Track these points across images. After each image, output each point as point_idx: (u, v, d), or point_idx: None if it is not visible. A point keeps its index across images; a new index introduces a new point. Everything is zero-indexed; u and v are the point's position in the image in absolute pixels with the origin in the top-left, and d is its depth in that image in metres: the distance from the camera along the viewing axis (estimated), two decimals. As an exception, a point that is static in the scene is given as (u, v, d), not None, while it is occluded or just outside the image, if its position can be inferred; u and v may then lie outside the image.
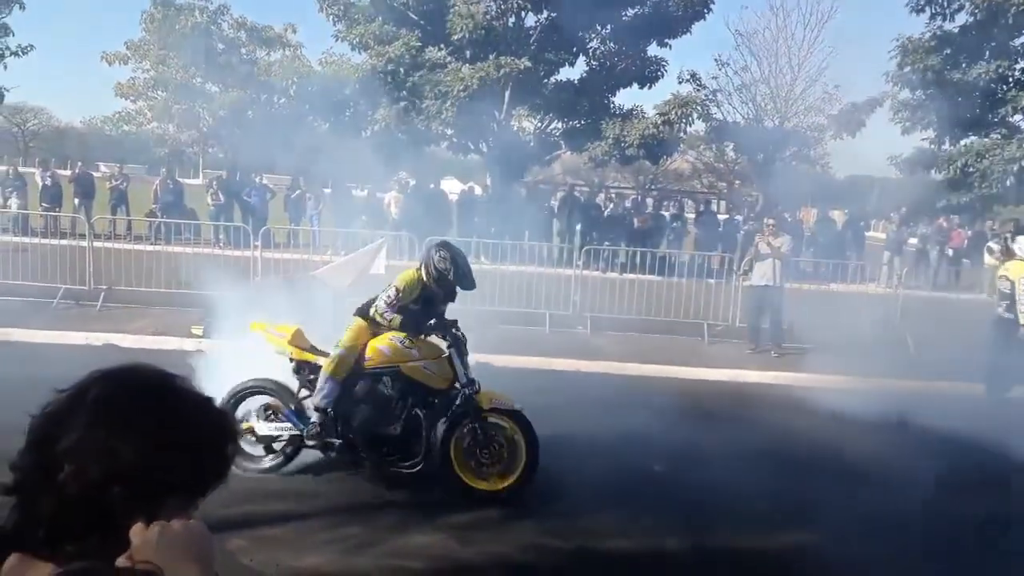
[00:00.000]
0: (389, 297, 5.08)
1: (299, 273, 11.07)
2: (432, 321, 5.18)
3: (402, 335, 5.10)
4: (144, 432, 1.05)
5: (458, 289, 5.27)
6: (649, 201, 23.10)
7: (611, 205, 20.19)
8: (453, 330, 5.14)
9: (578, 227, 18.05)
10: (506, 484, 4.97)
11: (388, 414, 5.05)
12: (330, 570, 4.03)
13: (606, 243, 16.84)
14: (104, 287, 10.66)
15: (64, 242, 11.65)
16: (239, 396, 5.34)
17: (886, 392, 8.07)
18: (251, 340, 5.60)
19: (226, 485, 1.15)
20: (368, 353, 5.12)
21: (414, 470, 4.97)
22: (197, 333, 9.14)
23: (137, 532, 1.01)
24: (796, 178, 15.60)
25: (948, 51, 19.21)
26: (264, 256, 11.61)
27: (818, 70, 22.18)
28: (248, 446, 5.23)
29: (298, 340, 5.41)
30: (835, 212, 22.35)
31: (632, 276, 13.47)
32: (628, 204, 21.02)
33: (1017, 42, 19.39)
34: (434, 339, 5.20)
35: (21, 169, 19.64)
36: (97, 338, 8.87)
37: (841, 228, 19.92)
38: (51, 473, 1.01)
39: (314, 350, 5.38)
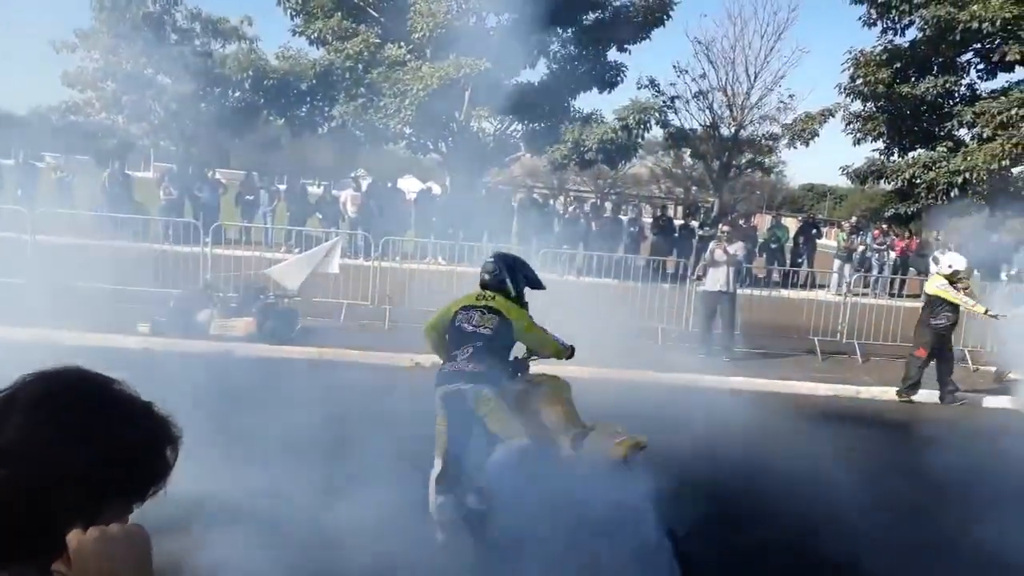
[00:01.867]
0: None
1: (251, 270, 10.89)
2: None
3: None
4: (82, 436, 1.03)
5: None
6: (608, 205, 23.20)
7: (570, 208, 20.27)
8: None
9: (534, 229, 18.05)
10: None
11: None
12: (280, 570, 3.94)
13: (564, 246, 16.91)
14: (47, 282, 10.31)
15: (5, 234, 11.25)
16: None
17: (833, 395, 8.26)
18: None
19: (166, 489, 1.13)
20: None
21: None
22: (144, 331, 8.90)
23: (74, 537, 0.99)
24: (751, 185, 15.89)
25: (898, 65, 19.74)
26: (215, 253, 11.36)
27: (774, 79, 22.58)
28: None
29: None
30: (788, 219, 22.79)
31: (588, 279, 13.55)
32: (587, 208, 21.12)
33: (963, 58, 20.02)
34: None
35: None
36: (37, 334, 8.56)
37: (793, 235, 20.33)
38: None
39: None
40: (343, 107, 17.73)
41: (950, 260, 9.06)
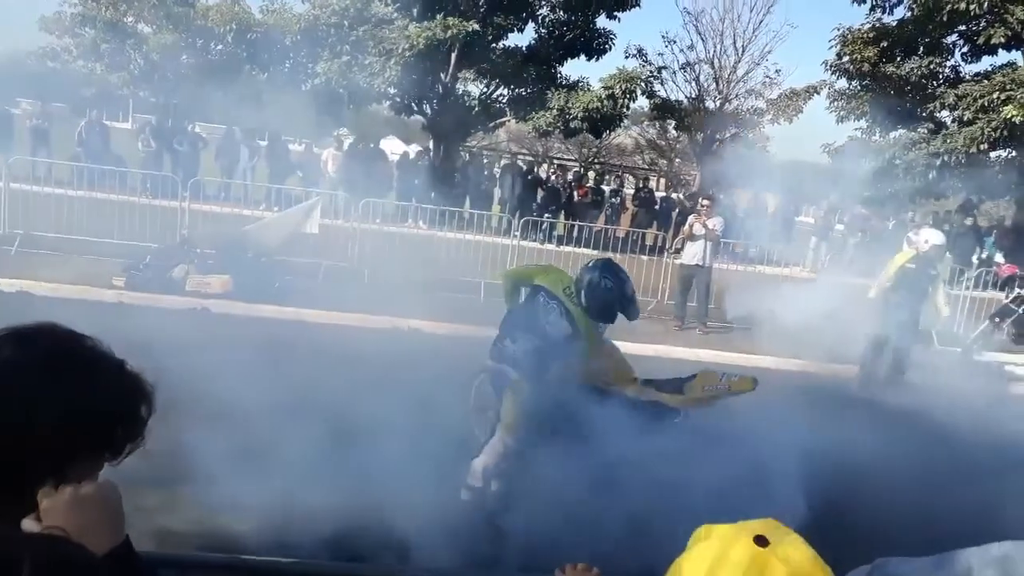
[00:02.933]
0: None
1: (229, 227, 10.83)
2: None
3: None
4: (56, 396, 1.04)
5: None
6: (591, 174, 23.19)
7: (553, 177, 20.23)
8: None
9: (516, 196, 18.06)
10: None
11: None
12: (250, 527, 4.02)
13: (545, 215, 16.94)
14: (20, 231, 10.20)
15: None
16: None
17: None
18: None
19: (143, 446, 1.15)
20: None
21: None
22: (118, 284, 8.86)
23: (46, 495, 1.01)
24: (734, 160, 15.94)
25: (885, 44, 19.77)
26: (193, 208, 11.27)
27: (761, 53, 22.56)
28: None
29: None
30: (769, 196, 22.90)
31: (568, 248, 13.61)
32: (570, 177, 21.10)
33: (949, 40, 20.07)
34: None
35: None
36: (11, 284, 8.51)
37: (772, 212, 20.45)
38: None
39: None
40: (327, 64, 17.48)
41: (927, 235, 8.66)
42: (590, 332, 4.64)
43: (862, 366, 8.70)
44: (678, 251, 10.88)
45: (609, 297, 4.57)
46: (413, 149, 21.45)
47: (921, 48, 19.94)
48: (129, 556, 1.08)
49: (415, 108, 20.25)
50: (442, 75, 19.04)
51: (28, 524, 1.03)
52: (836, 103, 21.16)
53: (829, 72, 20.84)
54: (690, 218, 10.75)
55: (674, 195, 19.96)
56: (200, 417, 4.72)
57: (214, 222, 11.38)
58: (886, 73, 19.69)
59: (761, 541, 1.08)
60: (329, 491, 4.15)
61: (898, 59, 19.89)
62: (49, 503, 1.01)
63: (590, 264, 4.72)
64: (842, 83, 21.12)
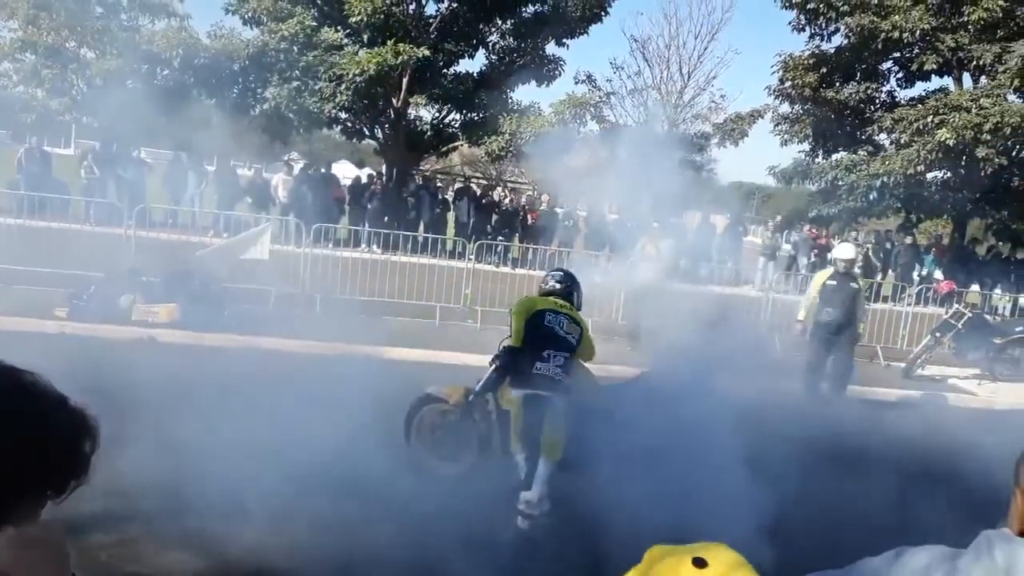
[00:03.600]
0: None
1: (177, 255, 10.60)
2: None
3: None
4: None
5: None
6: (544, 197, 23.38)
7: (507, 200, 20.34)
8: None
9: (471, 220, 18.12)
10: None
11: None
12: (196, 568, 3.91)
13: (499, 238, 17.00)
14: (-45, 262, 9.85)
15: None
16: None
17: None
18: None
19: (88, 483, 1.12)
20: None
21: None
22: (60, 315, 8.60)
23: None
24: (682, 183, 16.20)
25: (824, 70, 20.47)
26: (139, 235, 11.03)
27: (707, 79, 23.15)
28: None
29: None
30: (717, 217, 23.36)
31: (523, 271, 13.68)
32: (523, 200, 21.23)
33: (884, 66, 20.89)
34: None
35: None
36: (-55, 317, 8.18)
37: (721, 232, 20.86)
38: None
39: None
40: (277, 89, 17.36)
41: (837, 252, 8.97)
42: (584, 325, 5.27)
43: (806, 385, 8.77)
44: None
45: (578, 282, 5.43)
46: (365, 173, 21.34)
47: (858, 74, 20.71)
48: None
49: (367, 132, 20.22)
50: (394, 100, 19.07)
51: None
52: (780, 126, 21.78)
53: (772, 96, 21.50)
54: (642, 240, 10.90)
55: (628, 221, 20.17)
56: (147, 450, 4.59)
57: (161, 249, 11.12)
58: (826, 98, 20.37)
59: (699, 563, 1.09)
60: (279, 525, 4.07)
61: (837, 84, 20.61)
62: None
63: (557, 274, 5.48)
64: (785, 107, 21.80)
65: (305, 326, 8.91)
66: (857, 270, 11.70)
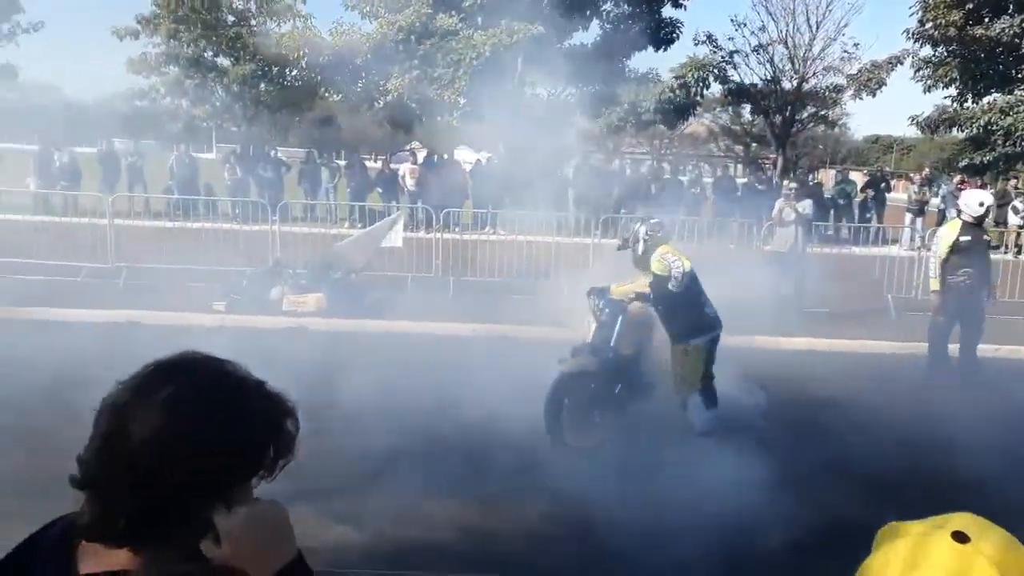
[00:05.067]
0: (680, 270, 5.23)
1: (318, 247, 11.11)
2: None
3: None
4: (218, 427, 1.07)
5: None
6: (666, 166, 22.84)
7: (627, 172, 20.00)
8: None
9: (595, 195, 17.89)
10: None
11: None
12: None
13: (623, 211, 16.72)
14: (125, 264, 10.73)
15: (85, 220, 11.72)
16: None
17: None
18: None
19: (296, 460, 1.17)
20: None
21: None
22: (219, 309, 9.21)
23: (224, 520, 1.05)
24: (813, 140, 15.30)
25: (970, 5, 18.75)
26: (282, 230, 11.62)
27: (837, 28, 21.72)
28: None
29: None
30: (854, 173, 22.03)
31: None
32: (644, 170, 20.82)
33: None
34: None
35: (28, 146, 19.59)
36: (121, 315, 8.95)
37: (861, 189, 19.67)
38: (126, 468, 1.03)
39: None
40: (398, 80, 17.79)
41: (979, 197, 7.61)
42: None
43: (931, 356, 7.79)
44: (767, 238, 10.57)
45: None
46: (484, 156, 21.55)
47: (1011, 5, 18.81)
48: (304, 568, 1.13)
49: (485, 116, 20.37)
50: (510, 81, 19.10)
51: (208, 547, 1.05)
52: (922, 72, 20.19)
53: (912, 40, 19.92)
54: (778, 203, 10.42)
55: (758, 185, 19.36)
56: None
57: (303, 243, 11.68)
58: (974, 35, 18.66)
59: (960, 537, 1.00)
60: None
61: (986, 20, 18.82)
62: (226, 524, 1.05)
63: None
64: (927, 50, 20.15)
65: (440, 309, 9.15)
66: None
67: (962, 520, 1.04)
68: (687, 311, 5.31)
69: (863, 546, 1.13)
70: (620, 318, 5.33)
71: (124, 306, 9.20)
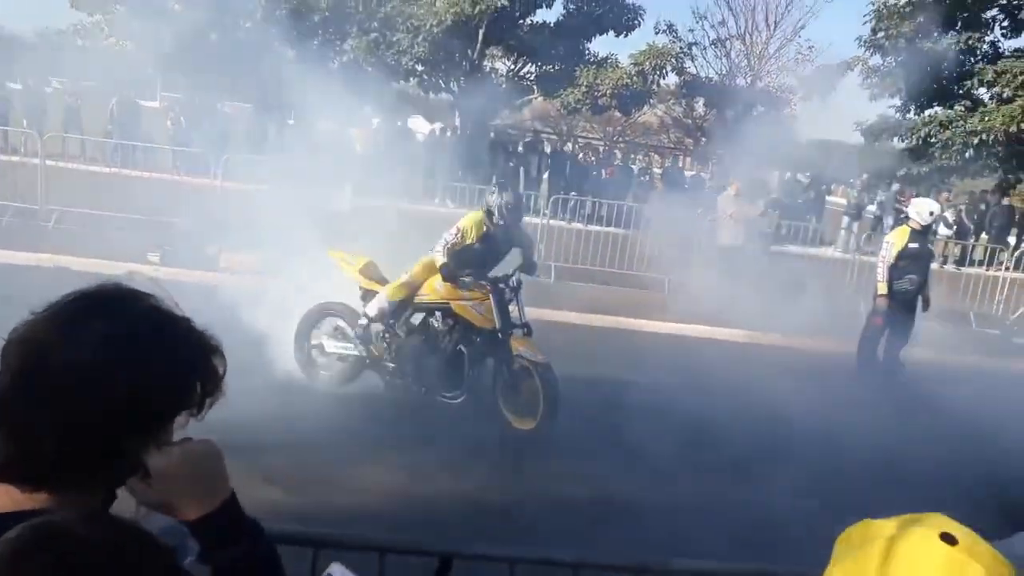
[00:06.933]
0: (448, 237, 5.47)
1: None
2: (468, 275, 5.46)
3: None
4: (151, 362, 1.01)
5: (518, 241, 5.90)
6: (617, 153, 22.97)
7: (580, 155, 20.08)
8: (498, 284, 5.48)
9: (546, 175, 17.95)
10: (528, 427, 5.38)
11: (435, 346, 5.58)
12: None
13: (573, 193, 16.80)
14: (55, 207, 10.32)
15: (15, 158, 11.21)
16: (317, 316, 5.97)
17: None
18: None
19: (224, 399, 1.12)
20: (424, 289, 5.62)
21: (455, 401, 5.52)
22: (153, 260, 8.95)
23: (156, 457, 1.01)
24: (766, 138, 15.55)
25: (922, 19, 19.27)
26: (225, 186, 11.32)
27: (794, 29, 22.14)
28: (319, 359, 5.95)
29: (368, 271, 5.91)
30: (799, 175, 22.53)
31: (597, 228, 13.51)
32: (595, 157, 20.92)
33: (988, 14, 19.54)
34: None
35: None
36: (48, 259, 8.62)
37: (804, 190, 20.15)
38: (48, 406, 0.95)
39: (383, 281, 5.84)
40: (356, 41, 17.41)
41: (927, 206, 7.75)
42: None
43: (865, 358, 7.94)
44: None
45: None
46: (438, 127, 21.32)
47: (959, 22, 19.43)
48: (237, 509, 1.09)
49: (442, 86, 20.14)
50: (469, 52, 18.90)
51: (136, 486, 1.02)
52: (869, 80, 20.69)
53: (863, 48, 20.39)
54: (721, 198, 10.62)
55: (704, 174, 19.69)
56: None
57: (243, 199, 11.40)
58: (922, 49, 19.20)
59: (948, 539, 0.95)
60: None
61: (935, 34, 19.39)
62: (158, 462, 1.01)
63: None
64: (876, 59, 20.66)
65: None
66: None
67: (942, 521, 0.98)
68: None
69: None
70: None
71: (51, 251, 8.86)
